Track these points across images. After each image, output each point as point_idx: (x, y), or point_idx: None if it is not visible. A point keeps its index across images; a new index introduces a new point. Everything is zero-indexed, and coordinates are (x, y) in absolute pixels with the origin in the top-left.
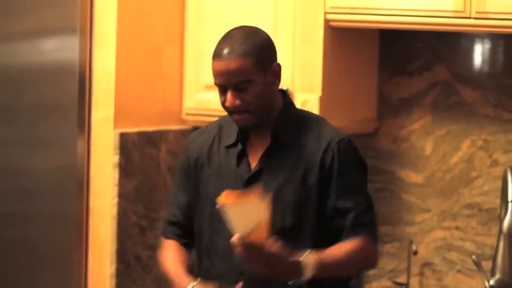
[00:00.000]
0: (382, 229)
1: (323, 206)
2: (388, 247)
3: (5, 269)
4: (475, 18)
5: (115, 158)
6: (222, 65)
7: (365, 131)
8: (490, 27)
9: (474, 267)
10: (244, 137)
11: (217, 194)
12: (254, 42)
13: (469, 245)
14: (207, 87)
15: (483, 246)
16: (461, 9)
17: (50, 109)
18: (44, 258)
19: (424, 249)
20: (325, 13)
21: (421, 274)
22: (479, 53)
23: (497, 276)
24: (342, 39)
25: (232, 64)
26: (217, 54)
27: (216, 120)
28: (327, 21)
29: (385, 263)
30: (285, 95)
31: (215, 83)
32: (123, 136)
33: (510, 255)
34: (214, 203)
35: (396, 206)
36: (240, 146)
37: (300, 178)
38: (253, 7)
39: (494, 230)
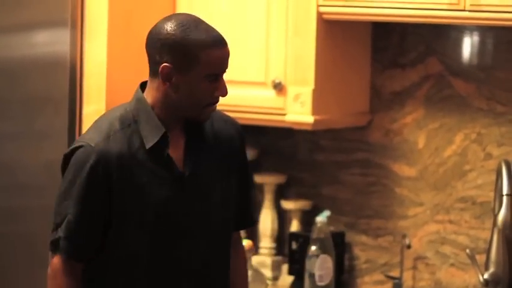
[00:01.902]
0: (375, 223)
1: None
2: (380, 241)
3: None
4: (470, 11)
5: None
6: (225, 51)
7: (357, 124)
8: (484, 19)
9: (468, 261)
10: (163, 136)
11: (160, 201)
12: None
13: (462, 239)
14: None
15: (477, 240)
16: (456, 2)
17: (41, 103)
18: (38, 252)
19: (417, 243)
20: (318, 6)
21: (414, 268)
22: (472, 46)
23: (491, 269)
24: (335, 32)
25: (228, 51)
26: (216, 42)
27: (110, 119)
28: (319, 13)
29: (378, 257)
30: None
31: (209, 73)
32: None
33: (504, 249)
34: (160, 212)
35: (389, 200)
36: (164, 147)
37: (227, 167)
38: (245, 1)
39: (488, 223)
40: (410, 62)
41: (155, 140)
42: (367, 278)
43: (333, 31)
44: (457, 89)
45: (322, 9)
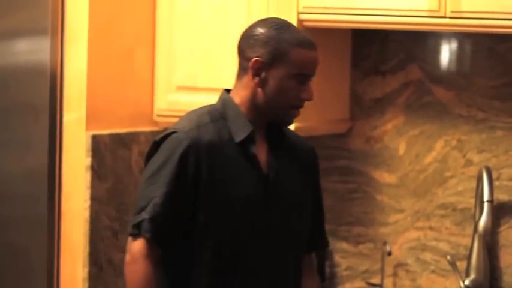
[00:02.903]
0: (356, 230)
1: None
2: (361, 248)
3: None
4: (451, 18)
5: (87, 161)
6: (313, 54)
7: (338, 131)
8: (465, 26)
9: (448, 267)
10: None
11: (244, 197)
12: None
13: (443, 245)
14: (179, 88)
15: (457, 247)
16: (436, 9)
17: (21, 111)
18: (16, 262)
19: (398, 249)
20: (298, 13)
21: (395, 275)
22: (452, 53)
23: (472, 276)
24: (315, 39)
25: (318, 56)
26: (306, 43)
27: (200, 113)
28: (300, 21)
29: (359, 264)
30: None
31: (297, 73)
32: (95, 138)
33: (485, 255)
34: (244, 204)
35: (370, 207)
36: (252, 145)
37: (304, 180)
38: (226, 7)
39: (469, 230)
40: (390, 69)
41: (244, 135)
42: (348, 285)
43: (313, 38)
44: (437, 96)
45: (302, 16)
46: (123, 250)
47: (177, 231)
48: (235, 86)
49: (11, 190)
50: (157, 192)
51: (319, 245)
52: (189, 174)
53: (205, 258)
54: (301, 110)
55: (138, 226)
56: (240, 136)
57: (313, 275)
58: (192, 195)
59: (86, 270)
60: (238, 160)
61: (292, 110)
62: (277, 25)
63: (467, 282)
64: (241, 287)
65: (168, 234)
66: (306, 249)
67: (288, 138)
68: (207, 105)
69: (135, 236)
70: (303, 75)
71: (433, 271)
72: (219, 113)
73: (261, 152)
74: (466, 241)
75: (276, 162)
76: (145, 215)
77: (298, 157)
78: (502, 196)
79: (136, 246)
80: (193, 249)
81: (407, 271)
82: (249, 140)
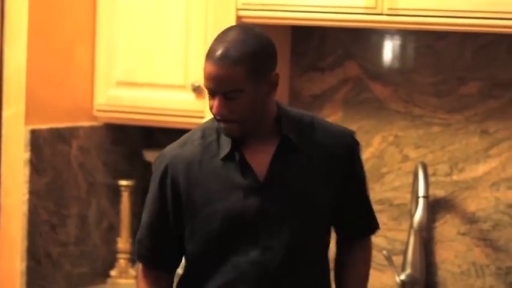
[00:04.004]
0: None
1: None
2: None
3: None
4: (387, 15)
5: (26, 155)
6: (213, 69)
7: None
8: (401, 23)
9: (385, 262)
10: (237, 145)
11: (229, 210)
12: (251, 49)
13: (379, 241)
14: (119, 84)
15: (394, 242)
16: (373, 6)
17: None
18: None
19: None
20: (237, 9)
21: (332, 269)
22: (390, 50)
23: (408, 271)
24: None
25: (223, 71)
26: (209, 55)
27: (196, 129)
28: (238, 17)
29: None
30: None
31: (204, 85)
32: (34, 133)
33: (420, 250)
34: (228, 221)
35: None
36: (237, 156)
37: (319, 181)
38: (165, 4)
39: (405, 225)
40: (329, 66)
41: (227, 151)
42: None
43: None
44: (375, 92)
45: (241, 12)
46: (61, 244)
47: (170, 251)
48: None
49: None
50: (144, 215)
51: (369, 228)
52: (167, 193)
53: (197, 277)
54: None
55: (135, 249)
56: (224, 151)
57: (361, 261)
58: (175, 213)
59: (24, 264)
60: (225, 172)
61: (219, 123)
62: (219, 33)
63: (403, 276)
64: None
65: (160, 254)
66: (356, 234)
67: (304, 139)
68: (212, 119)
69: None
70: (208, 89)
71: None
72: (215, 128)
73: (260, 159)
74: (403, 236)
75: (275, 166)
76: (137, 238)
77: (315, 156)
78: (438, 192)
79: (139, 268)
80: (187, 270)
81: None
82: (236, 150)
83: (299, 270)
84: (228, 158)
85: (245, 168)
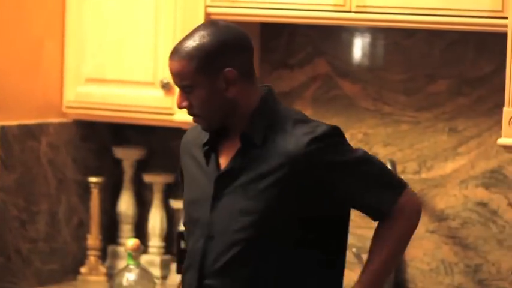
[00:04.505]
0: None
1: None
2: None
3: None
4: (355, 12)
5: None
6: (169, 64)
7: None
8: (370, 21)
9: (355, 260)
10: (216, 136)
11: (191, 190)
12: (202, 45)
13: (349, 238)
14: (88, 80)
15: (363, 239)
16: (342, 3)
17: None
18: None
19: None
20: (206, 6)
21: None
22: (359, 47)
23: None
24: None
25: (174, 65)
26: (171, 53)
27: None
28: (207, 14)
29: None
30: (268, 92)
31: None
32: (3, 129)
33: None
34: (190, 203)
35: None
36: (206, 147)
37: (270, 179)
38: (135, 0)
39: (374, 223)
40: (298, 63)
41: (206, 140)
42: None
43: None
44: (344, 90)
45: (210, 9)
46: (31, 240)
47: None
48: None
49: None
50: None
51: (380, 213)
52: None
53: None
54: None
55: None
56: (206, 138)
57: (387, 237)
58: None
59: None
60: (202, 159)
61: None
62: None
63: None
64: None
65: None
66: (375, 218)
67: (263, 137)
68: None
69: None
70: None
71: None
72: None
73: (228, 152)
74: (372, 234)
75: (234, 161)
76: None
77: (269, 157)
78: None
79: None
80: None
81: None
82: (208, 144)
83: (238, 263)
84: (206, 145)
85: (212, 159)
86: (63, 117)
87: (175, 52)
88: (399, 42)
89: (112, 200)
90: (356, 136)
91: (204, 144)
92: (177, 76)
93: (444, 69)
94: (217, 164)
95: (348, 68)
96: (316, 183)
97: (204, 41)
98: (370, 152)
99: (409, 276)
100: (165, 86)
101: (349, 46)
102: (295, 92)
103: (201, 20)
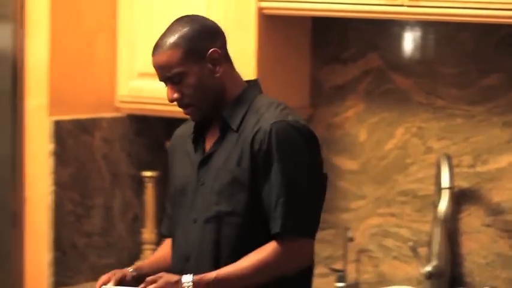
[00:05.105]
0: None
1: (257, 190)
2: (324, 234)
3: None
4: (408, 6)
5: (50, 146)
6: (153, 60)
7: None
8: (422, 15)
9: (410, 253)
10: (201, 123)
11: (179, 179)
12: (184, 33)
13: (404, 232)
14: (140, 75)
15: (418, 233)
16: None
17: None
18: None
19: (360, 236)
20: (258, 1)
21: (358, 261)
22: (411, 41)
23: (434, 262)
24: (275, 27)
25: (160, 58)
26: (153, 48)
27: None
28: (259, 8)
29: (321, 250)
30: (254, 82)
31: None
32: (57, 124)
33: (445, 241)
34: (177, 188)
35: (331, 193)
36: (193, 135)
37: (236, 161)
38: None
39: (429, 216)
40: (350, 57)
41: (193, 128)
42: None
43: (273, 26)
44: (397, 84)
45: (262, 4)
46: (86, 235)
47: None
48: None
49: None
50: None
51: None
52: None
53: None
54: None
55: None
56: (193, 128)
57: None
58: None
59: (50, 255)
60: (190, 148)
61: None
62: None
63: (428, 268)
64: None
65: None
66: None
67: (246, 120)
68: None
69: None
70: (160, 81)
71: (395, 257)
72: None
73: (213, 138)
74: (427, 228)
75: (217, 143)
76: None
77: (239, 141)
78: (462, 183)
79: None
80: None
81: (370, 257)
82: (195, 132)
83: (213, 243)
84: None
85: (199, 144)
86: (117, 111)
87: (158, 47)
88: (451, 35)
89: (166, 194)
90: (410, 130)
91: (193, 132)
92: (165, 67)
93: (497, 63)
94: (203, 151)
95: (400, 62)
96: (261, 168)
97: (184, 29)
98: (424, 146)
99: (466, 270)
100: None
101: (402, 40)
102: (348, 86)
103: (253, 15)
